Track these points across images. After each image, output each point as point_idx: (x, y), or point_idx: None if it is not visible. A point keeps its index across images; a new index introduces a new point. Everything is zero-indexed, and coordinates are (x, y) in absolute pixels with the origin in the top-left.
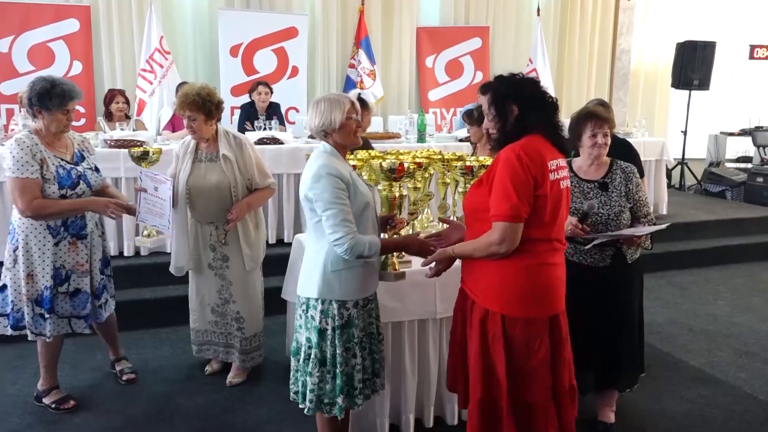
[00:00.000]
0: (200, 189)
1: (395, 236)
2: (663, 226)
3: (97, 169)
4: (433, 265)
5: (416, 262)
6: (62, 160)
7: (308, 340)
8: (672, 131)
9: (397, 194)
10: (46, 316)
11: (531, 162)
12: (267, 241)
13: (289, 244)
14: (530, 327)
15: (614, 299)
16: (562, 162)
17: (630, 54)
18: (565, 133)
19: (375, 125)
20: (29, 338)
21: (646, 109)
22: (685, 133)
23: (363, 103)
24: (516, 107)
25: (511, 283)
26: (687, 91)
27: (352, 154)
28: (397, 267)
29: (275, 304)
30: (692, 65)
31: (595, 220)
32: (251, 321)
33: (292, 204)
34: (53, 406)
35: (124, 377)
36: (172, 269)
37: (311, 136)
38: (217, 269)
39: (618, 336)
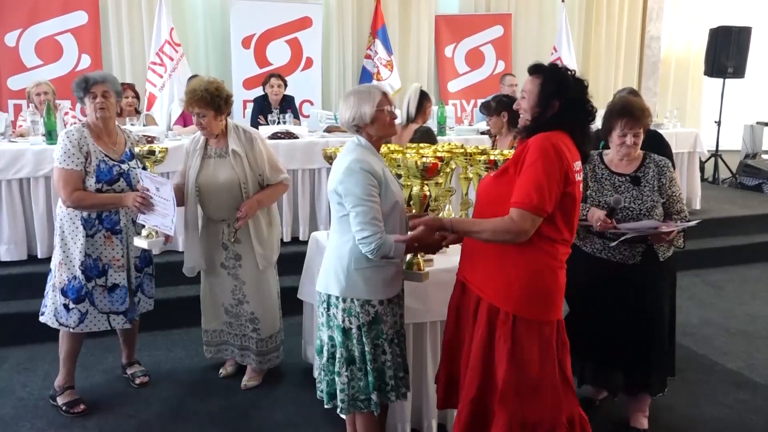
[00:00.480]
0: (210, 186)
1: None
2: (693, 223)
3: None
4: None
5: (438, 261)
6: (107, 155)
7: (331, 338)
8: (705, 122)
9: (427, 192)
10: (71, 306)
11: (564, 157)
12: (281, 239)
13: (305, 242)
14: (543, 331)
15: (644, 298)
16: (579, 164)
17: (660, 41)
18: (591, 136)
19: None
20: (52, 325)
21: (677, 99)
22: (719, 123)
23: (423, 94)
24: (558, 103)
25: (529, 283)
26: (721, 80)
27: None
28: (422, 266)
29: (291, 304)
30: (726, 52)
31: (626, 216)
32: (267, 321)
33: (308, 200)
34: (64, 408)
35: (137, 380)
36: (184, 270)
37: (328, 130)
38: (229, 269)
39: (648, 336)
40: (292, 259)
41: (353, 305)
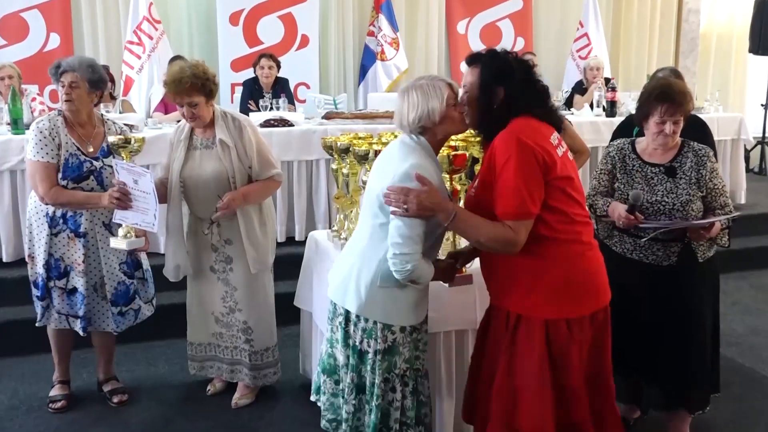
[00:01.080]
0: (196, 180)
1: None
2: (734, 215)
3: None
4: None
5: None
6: (79, 149)
7: (346, 358)
8: (751, 105)
9: (458, 187)
10: (37, 300)
11: (534, 144)
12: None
13: (301, 243)
14: (574, 328)
15: (682, 304)
16: (556, 135)
17: (699, 14)
18: (560, 110)
19: None
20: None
21: (719, 80)
22: (765, 106)
23: None
24: (503, 90)
25: (571, 277)
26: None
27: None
28: (464, 269)
29: (286, 312)
30: None
31: (657, 211)
32: (261, 332)
33: (304, 196)
34: (48, 402)
35: (115, 399)
36: (166, 273)
37: (327, 116)
38: (219, 273)
39: (688, 347)
40: (287, 262)
41: (375, 327)
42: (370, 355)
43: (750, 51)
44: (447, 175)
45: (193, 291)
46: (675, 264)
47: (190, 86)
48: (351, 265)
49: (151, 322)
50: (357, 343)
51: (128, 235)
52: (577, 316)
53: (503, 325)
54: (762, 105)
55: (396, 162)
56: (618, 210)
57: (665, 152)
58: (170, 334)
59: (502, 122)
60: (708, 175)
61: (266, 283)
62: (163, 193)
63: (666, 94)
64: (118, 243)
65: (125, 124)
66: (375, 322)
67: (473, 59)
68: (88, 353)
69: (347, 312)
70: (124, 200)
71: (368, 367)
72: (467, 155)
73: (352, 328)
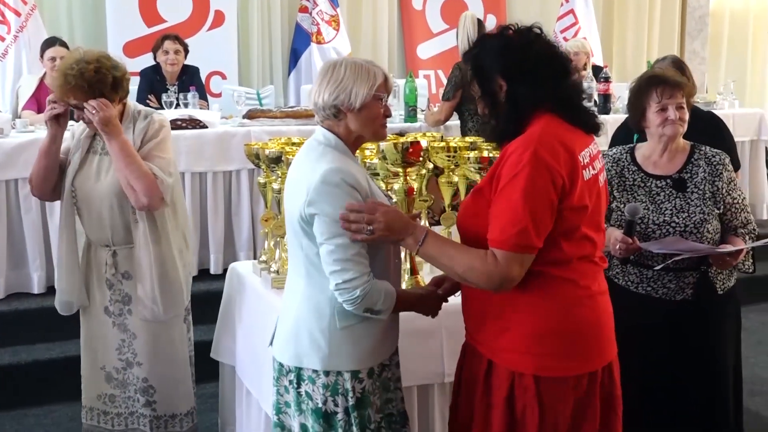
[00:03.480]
0: (88, 192)
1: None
2: (766, 242)
3: None
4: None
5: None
6: None
7: (304, 428)
8: None
9: (414, 185)
10: None
11: (555, 162)
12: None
13: (219, 277)
14: (579, 387)
15: (698, 345)
16: (594, 148)
17: None
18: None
19: None
20: None
21: (733, 68)
22: None
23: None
24: (503, 79)
25: (549, 329)
26: None
27: None
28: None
29: (200, 366)
30: None
31: (666, 233)
32: (167, 393)
33: (222, 217)
34: None
35: None
36: (57, 304)
37: (250, 115)
38: (115, 315)
39: (706, 396)
40: (202, 302)
41: (341, 379)
42: (339, 416)
43: None
44: (401, 170)
45: (85, 338)
46: (690, 298)
47: (73, 87)
48: (296, 316)
49: (22, 383)
50: (320, 405)
51: None
52: (549, 375)
53: (478, 368)
54: None
55: (307, 173)
56: (614, 235)
57: (672, 159)
58: (50, 397)
59: (520, 125)
60: (725, 187)
61: (175, 330)
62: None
63: (656, 76)
64: None
65: None
66: (339, 373)
67: (466, 55)
68: None
69: (299, 369)
70: None
71: (339, 431)
72: (422, 146)
73: (308, 387)
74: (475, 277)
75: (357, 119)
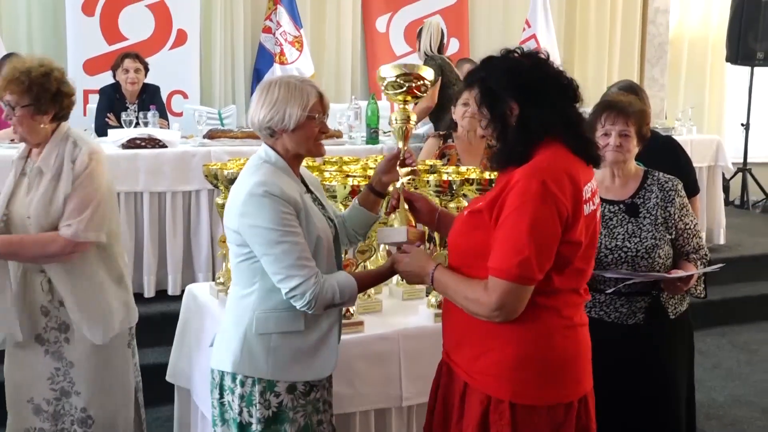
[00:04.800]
0: (17, 216)
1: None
2: (716, 267)
3: None
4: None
5: (370, 323)
6: None
7: None
8: (729, 124)
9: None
10: None
11: (561, 194)
12: (142, 295)
13: (176, 298)
14: (555, 417)
15: (650, 369)
16: (594, 184)
17: (668, 15)
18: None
19: None
20: None
21: (692, 94)
22: (746, 126)
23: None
24: (515, 103)
25: (527, 356)
26: (748, 68)
27: None
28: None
29: (156, 389)
30: (755, 31)
31: (617, 259)
32: (107, 423)
33: (180, 238)
34: None
35: None
36: None
37: (210, 135)
38: (49, 343)
39: (657, 419)
40: (160, 323)
41: (252, 389)
42: (254, 427)
43: (728, 60)
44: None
45: (10, 370)
46: (642, 322)
47: (14, 79)
48: (224, 321)
49: None
50: (236, 416)
51: None
52: (526, 402)
53: (454, 389)
54: (742, 125)
55: (240, 187)
56: None
57: (625, 185)
58: None
59: (527, 152)
60: (677, 213)
61: (116, 357)
62: None
63: (607, 102)
64: None
65: None
66: (254, 383)
67: (470, 77)
68: None
69: (222, 376)
70: None
71: None
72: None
73: (229, 397)
74: (476, 306)
75: (291, 139)
